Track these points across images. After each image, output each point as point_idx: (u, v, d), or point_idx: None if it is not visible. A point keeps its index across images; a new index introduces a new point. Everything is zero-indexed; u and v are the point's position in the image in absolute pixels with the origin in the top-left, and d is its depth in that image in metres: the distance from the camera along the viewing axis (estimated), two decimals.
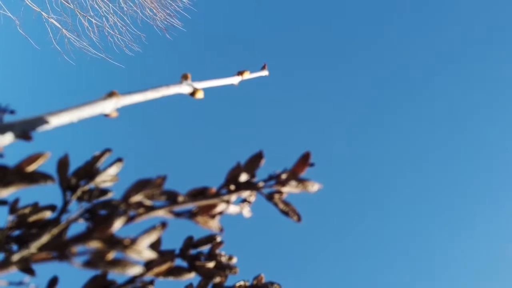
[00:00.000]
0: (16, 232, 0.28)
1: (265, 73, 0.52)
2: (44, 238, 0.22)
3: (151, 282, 0.29)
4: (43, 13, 3.45)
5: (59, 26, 3.55)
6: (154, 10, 3.78)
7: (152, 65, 4.67)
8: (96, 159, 0.29)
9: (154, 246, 0.30)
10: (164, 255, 0.31)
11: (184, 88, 0.37)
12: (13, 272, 0.21)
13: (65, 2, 3.48)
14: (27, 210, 0.28)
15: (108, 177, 0.29)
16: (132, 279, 0.29)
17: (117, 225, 0.22)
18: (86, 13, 3.63)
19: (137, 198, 0.25)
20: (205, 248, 0.33)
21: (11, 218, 0.28)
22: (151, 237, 0.23)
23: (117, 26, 3.72)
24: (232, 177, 0.27)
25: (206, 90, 0.39)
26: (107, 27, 3.70)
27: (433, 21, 4.67)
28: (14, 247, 0.27)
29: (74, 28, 3.61)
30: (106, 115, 0.30)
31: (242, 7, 4.90)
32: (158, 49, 4.34)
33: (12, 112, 0.25)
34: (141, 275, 0.27)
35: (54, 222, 0.26)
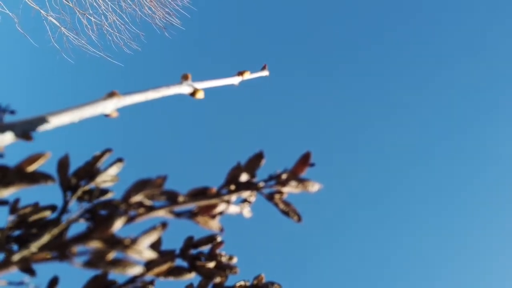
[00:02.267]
0: (17, 232, 0.28)
1: (265, 73, 0.52)
2: (45, 238, 0.22)
3: (152, 282, 0.29)
4: (41, 11, 3.42)
5: (58, 24, 3.52)
6: (153, 9, 3.74)
7: (151, 64, 4.66)
8: (96, 159, 0.29)
9: (155, 246, 0.30)
10: (165, 255, 0.31)
11: (185, 88, 0.37)
12: (14, 272, 0.21)
13: (64, 0, 3.46)
14: (27, 210, 0.28)
15: (108, 177, 0.29)
16: (133, 279, 0.29)
17: (118, 225, 0.22)
18: (85, 11, 3.60)
19: (137, 198, 0.25)
20: (206, 248, 0.33)
21: (11, 218, 0.28)
22: (152, 237, 0.23)
23: (116, 24, 3.69)
24: (232, 177, 0.27)
25: (206, 90, 0.39)
26: (106, 26, 3.67)
27: (433, 22, 4.67)
28: (15, 247, 0.27)
29: (73, 26, 3.58)
30: (106, 115, 0.30)
31: (242, 7, 4.90)
32: (157, 47, 4.33)
33: (12, 112, 0.25)
34: (142, 275, 0.27)
35: (55, 222, 0.26)
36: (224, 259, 0.33)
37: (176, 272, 0.29)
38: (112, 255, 0.21)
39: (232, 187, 0.27)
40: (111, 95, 0.30)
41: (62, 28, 3.53)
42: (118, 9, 3.67)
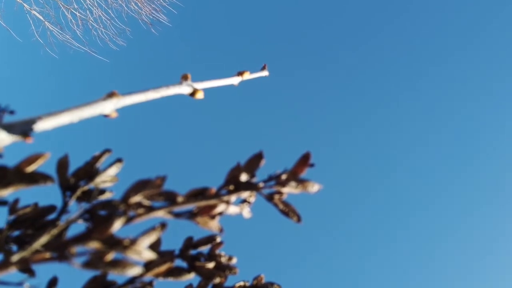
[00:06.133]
0: (16, 233, 0.28)
1: (265, 73, 0.52)
2: (44, 239, 0.22)
3: (151, 283, 0.29)
4: (25, 4, 3.37)
5: (42, 18, 3.46)
6: (140, 4, 3.69)
7: (137, 60, 4.64)
8: (95, 159, 0.29)
9: (154, 246, 0.30)
10: (164, 256, 0.31)
11: (184, 89, 0.37)
12: (13, 272, 0.21)
13: None
14: (27, 211, 0.28)
15: (107, 178, 0.29)
16: (132, 280, 0.29)
17: (117, 225, 0.22)
18: (70, 6, 3.55)
19: (136, 198, 0.25)
20: (205, 249, 0.33)
21: (11, 218, 0.28)
22: (151, 238, 0.23)
23: (102, 19, 3.64)
24: (232, 178, 0.27)
25: (206, 90, 0.39)
26: (91, 20, 3.61)
27: (432, 21, 4.67)
28: (14, 247, 0.27)
29: (57, 20, 3.53)
30: (106, 116, 0.30)
31: (231, 4, 4.88)
32: (143, 44, 4.31)
33: (12, 112, 0.25)
34: (141, 275, 0.27)
35: (54, 222, 0.26)
36: (223, 260, 0.33)
37: (175, 272, 0.29)
38: (111, 255, 0.21)
39: (232, 187, 0.27)
40: (110, 95, 0.30)
41: (46, 22, 3.48)
42: (104, 4, 3.62)
